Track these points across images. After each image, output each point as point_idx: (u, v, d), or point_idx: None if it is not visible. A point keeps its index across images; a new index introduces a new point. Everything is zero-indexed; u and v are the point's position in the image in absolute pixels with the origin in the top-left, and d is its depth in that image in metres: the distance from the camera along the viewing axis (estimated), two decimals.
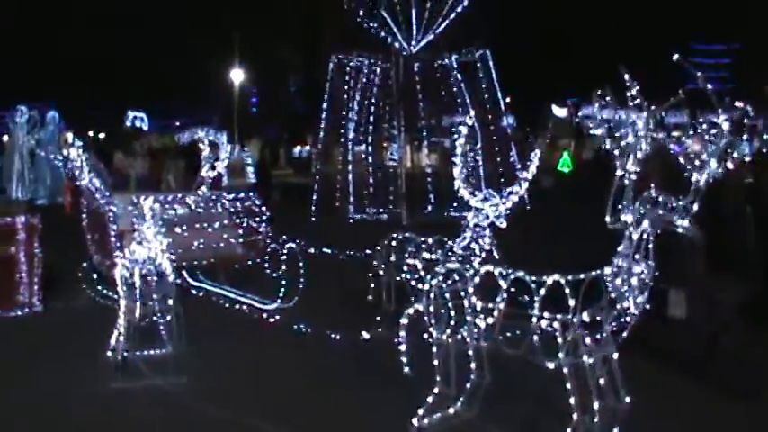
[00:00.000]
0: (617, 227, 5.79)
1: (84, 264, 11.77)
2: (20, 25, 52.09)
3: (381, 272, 10.04)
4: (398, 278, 9.79)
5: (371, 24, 24.64)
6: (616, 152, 5.77)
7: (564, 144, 50.91)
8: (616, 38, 56.30)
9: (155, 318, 8.47)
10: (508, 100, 26.24)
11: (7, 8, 50.29)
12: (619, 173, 5.72)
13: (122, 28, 53.18)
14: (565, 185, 34.97)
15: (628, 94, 5.71)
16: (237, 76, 51.28)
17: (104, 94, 52.79)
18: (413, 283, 9.26)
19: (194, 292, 11.34)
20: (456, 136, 8.92)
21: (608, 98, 5.79)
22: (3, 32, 50.76)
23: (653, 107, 5.82)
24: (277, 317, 10.33)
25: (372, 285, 10.35)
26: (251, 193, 12.71)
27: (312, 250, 11.15)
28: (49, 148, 30.18)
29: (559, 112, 59.30)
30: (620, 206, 5.75)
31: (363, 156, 26.70)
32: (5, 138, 37.13)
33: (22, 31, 52.09)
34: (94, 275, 11.52)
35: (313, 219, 23.44)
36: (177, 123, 54.11)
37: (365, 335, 9.08)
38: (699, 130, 5.93)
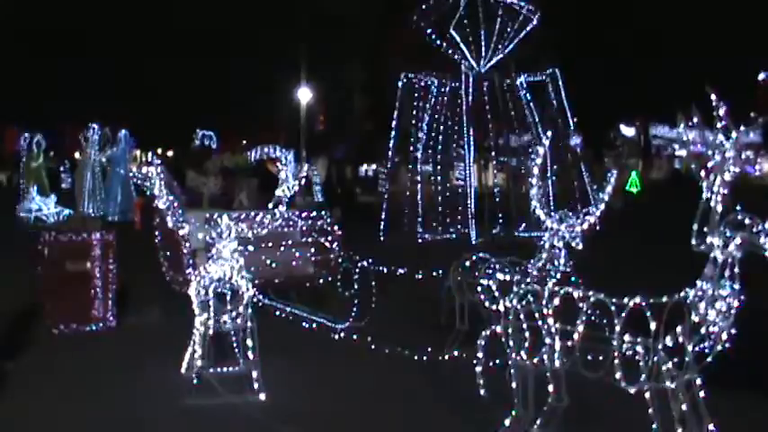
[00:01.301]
0: (702, 249, 5.67)
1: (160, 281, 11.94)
2: (102, 49, 53.30)
3: (455, 292, 9.97)
4: (471, 299, 9.71)
5: (440, 43, 24.68)
6: (702, 173, 5.65)
7: (632, 164, 50.41)
8: (685, 60, 55.45)
9: (229, 335, 8.54)
10: (576, 119, 25.96)
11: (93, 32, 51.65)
12: (705, 195, 5.61)
13: (192, 55, 54.04)
14: (635, 206, 34.53)
15: (714, 114, 5.61)
16: (304, 94, 51.70)
17: (175, 115, 53.67)
18: (487, 304, 9.18)
19: (269, 310, 11.40)
20: (533, 156, 8.83)
21: (695, 118, 5.69)
22: (81, 54, 52.05)
23: (740, 128, 5.70)
24: (350, 336, 10.34)
25: (445, 306, 10.29)
26: (323, 212, 12.79)
27: (384, 269, 11.14)
28: (123, 166, 30.81)
29: (628, 131, 58.77)
30: (705, 228, 5.63)
31: (431, 175, 26.69)
32: (77, 154, 38.02)
33: (104, 54, 53.25)
34: (168, 292, 11.68)
35: (382, 238, 23.46)
36: (244, 142, 54.66)
37: (440, 356, 9.04)
38: None
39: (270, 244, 11.63)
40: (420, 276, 10.81)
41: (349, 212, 24.99)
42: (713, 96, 5.69)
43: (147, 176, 9.47)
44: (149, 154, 11.02)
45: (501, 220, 24.30)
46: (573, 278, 8.52)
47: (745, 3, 51.53)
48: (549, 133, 10.54)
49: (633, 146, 58.19)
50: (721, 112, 5.62)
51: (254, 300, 8.90)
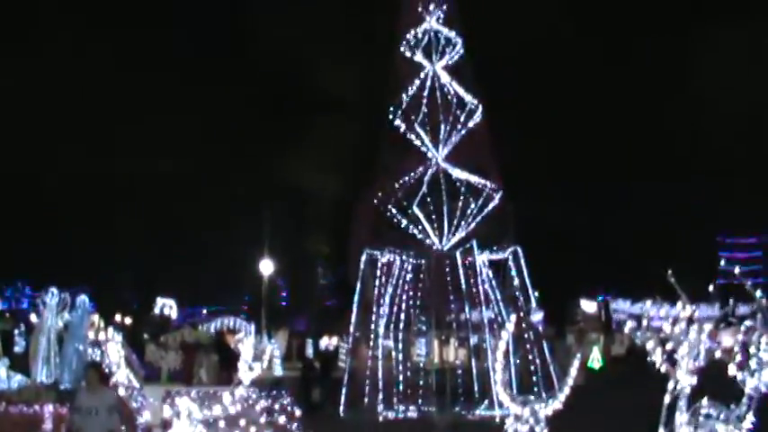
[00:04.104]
0: None
1: None
2: (59, 209, 53.45)
3: None
4: None
5: (403, 220, 25.07)
6: (658, 351, 5.67)
7: (593, 339, 50.48)
8: (645, 233, 56.85)
9: None
10: (538, 295, 26.18)
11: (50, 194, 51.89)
12: (671, 384, 5.61)
13: (153, 218, 54.34)
14: (597, 382, 34.29)
15: (679, 303, 5.69)
16: (267, 267, 51.83)
17: (135, 279, 53.46)
18: None
19: None
20: (496, 340, 8.84)
21: (658, 299, 5.77)
22: (38, 218, 52.16)
23: (697, 309, 5.77)
24: None
25: None
26: (283, 391, 12.59)
27: None
28: (80, 333, 30.26)
29: (588, 306, 59.21)
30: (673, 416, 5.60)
31: (392, 351, 26.49)
32: (34, 318, 37.39)
33: (61, 216, 53.38)
34: None
35: (342, 414, 23.00)
36: (204, 311, 54.49)
37: None
38: (732, 324, 5.89)
39: (228, 423, 11.32)
40: None
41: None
42: (672, 280, 5.79)
43: (106, 353, 9.31)
44: (110, 330, 10.85)
45: (462, 398, 23.99)
46: None
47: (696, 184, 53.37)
48: (513, 317, 10.59)
49: (594, 321, 58.48)
50: (683, 298, 5.70)
51: None
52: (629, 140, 59.70)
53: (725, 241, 69.91)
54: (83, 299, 32.21)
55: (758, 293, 6.14)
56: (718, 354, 5.80)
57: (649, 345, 5.78)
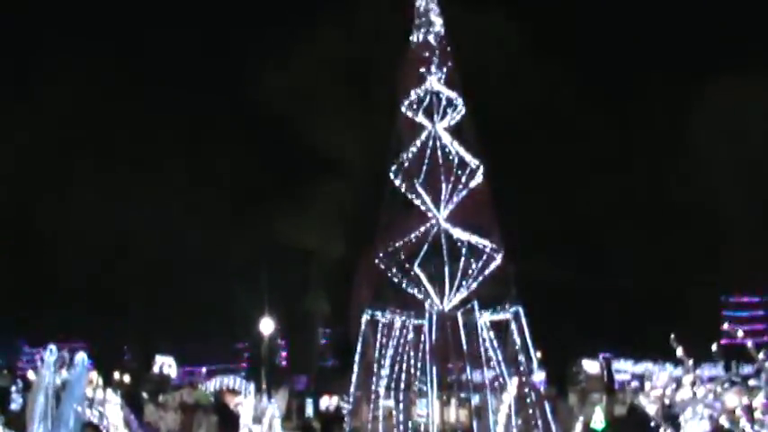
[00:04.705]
0: None
1: None
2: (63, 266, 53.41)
3: None
4: None
5: (404, 280, 25.06)
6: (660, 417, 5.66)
7: (596, 399, 50.00)
8: (648, 292, 56.71)
9: None
10: (539, 355, 26.05)
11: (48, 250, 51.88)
12: None
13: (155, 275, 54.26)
14: None
15: (683, 369, 5.69)
16: (267, 326, 51.55)
17: (134, 337, 53.32)
18: None
19: None
20: (499, 401, 8.81)
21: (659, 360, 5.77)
22: (37, 275, 52.09)
23: (700, 371, 5.79)
24: None
25: None
26: None
27: None
28: (78, 391, 30.03)
29: (591, 367, 58.81)
30: None
31: (393, 411, 26.26)
32: (32, 375, 37.12)
33: (60, 273, 53.31)
34: None
35: None
36: (204, 370, 54.31)
37: None
38: (735, 384, 5.91)
39: None
40: None
41: None
42: (679, 351, 5.79)
43: (104, 414, 9.25)
44: (109, 391, 10.79)
45: None
46: None
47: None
48: (515, 379, 10.55)
49: (597, 381, 57.99)
50: (689, 365, 5.71)
51: None
52: (631, 200, 59.85)
53: (728, 300, 69.68)
54: (81, 356, 32.13)
55: (761, 355, 6.16)
56: (722, 419, 5.79)
57: (651, 409, 5.80)
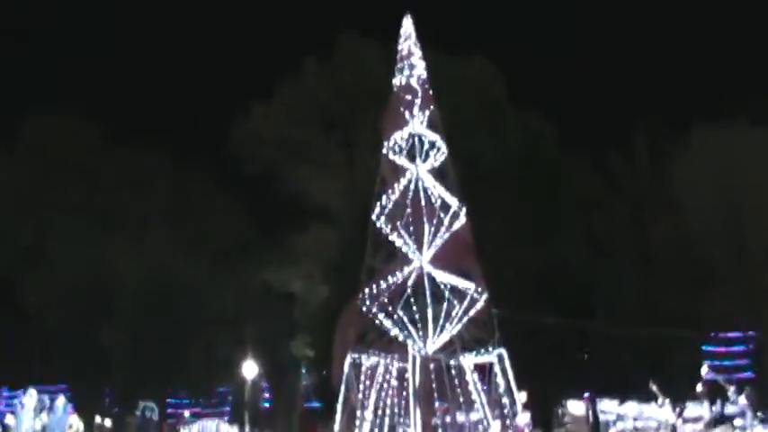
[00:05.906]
0: None
1: None
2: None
3: None
4: None
5: (387, 323, 25.04)
6: None
7: None
8: (630, 332, 56.71)
9: None
10: (525, 396, 26.01)
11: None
12: None
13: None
14: None
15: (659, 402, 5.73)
16: (250, 369, 51.14)
17: (116, 381, 52.83)
18: None
19: None
20: None
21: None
22: (16, 316, 51.63)
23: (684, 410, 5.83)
24: None
25: None
26: None
27: None
28: None
29: (576, 408, 58.56)
30: None
31: None
32: (11, 419, 36.67)
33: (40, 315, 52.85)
34: None
35: None
36: (187, 413, 53.90)
37: None
38: (722, 423, 5.95)
39: None
40: None
41: None
42: (654, 388, 5.83)
43: None
44: (75, 418, 10.68)
45: None
46: None
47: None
48: (498, 422, 10.55)
49: (582, 423, 57.72)
50: (666, 403, 5.74)
51: None
52: (609, 246, 60.01)
53: (710, 335, 69.69)
54: (62, 401, 31.86)
55: (741, 397, 6.18)
56: None
57: None
